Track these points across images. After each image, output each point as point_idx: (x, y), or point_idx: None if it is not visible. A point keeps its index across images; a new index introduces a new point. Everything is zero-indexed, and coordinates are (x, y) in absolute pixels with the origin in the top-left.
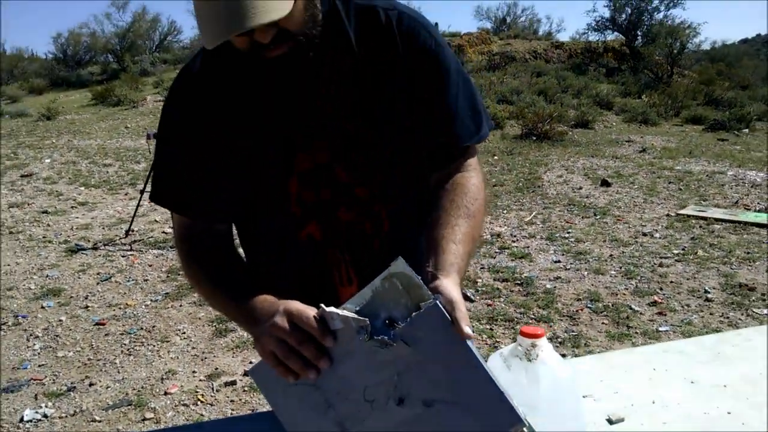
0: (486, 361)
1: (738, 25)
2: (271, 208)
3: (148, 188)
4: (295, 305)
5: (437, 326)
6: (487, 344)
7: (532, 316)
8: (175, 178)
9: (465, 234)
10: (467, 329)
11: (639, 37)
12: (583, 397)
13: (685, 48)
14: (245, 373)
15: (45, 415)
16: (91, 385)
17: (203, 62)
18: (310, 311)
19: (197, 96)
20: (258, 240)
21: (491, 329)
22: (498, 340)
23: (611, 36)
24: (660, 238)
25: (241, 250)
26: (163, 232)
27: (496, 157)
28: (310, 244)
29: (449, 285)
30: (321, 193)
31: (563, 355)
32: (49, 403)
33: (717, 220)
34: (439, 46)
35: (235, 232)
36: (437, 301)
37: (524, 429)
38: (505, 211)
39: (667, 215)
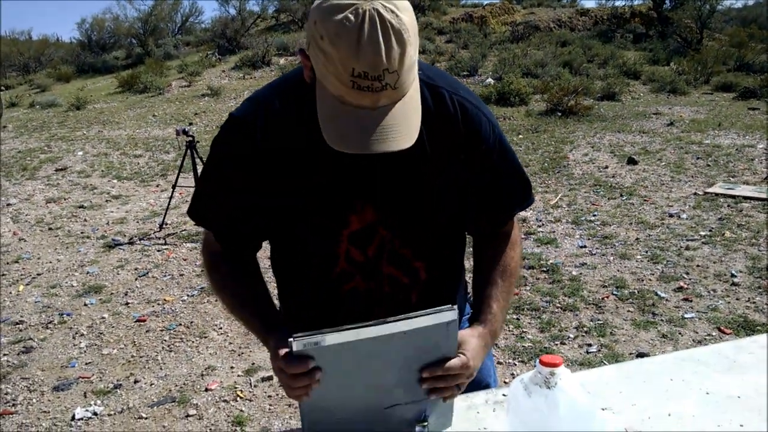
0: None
1: None
2: (318, 263)
3: (180, 183)
4: (277, 352)
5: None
6: (514, 334)
7: (558, 305)
8: (217, 205)
9: (502, 292)
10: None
11: (667, 1)
12: (602, 409)
13: (714, 11)
14: None
15: (95, 413)
16: (135, 382)
17: (282, 101)
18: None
19: (264, 134)
20: (299, 283)
21: (518, 319)
22: (524, 330)
23: (638, 0)
24: (687, 219)
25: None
26: (195, 224)
27: (521, 136)
28: (353, 294)
29: (467, 332)
30: (367, 250)
31: (588, 345)
32: (98, 401)
33: (745, 198)
34: (496, 133)
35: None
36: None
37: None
38: None
39: (695, 194)
